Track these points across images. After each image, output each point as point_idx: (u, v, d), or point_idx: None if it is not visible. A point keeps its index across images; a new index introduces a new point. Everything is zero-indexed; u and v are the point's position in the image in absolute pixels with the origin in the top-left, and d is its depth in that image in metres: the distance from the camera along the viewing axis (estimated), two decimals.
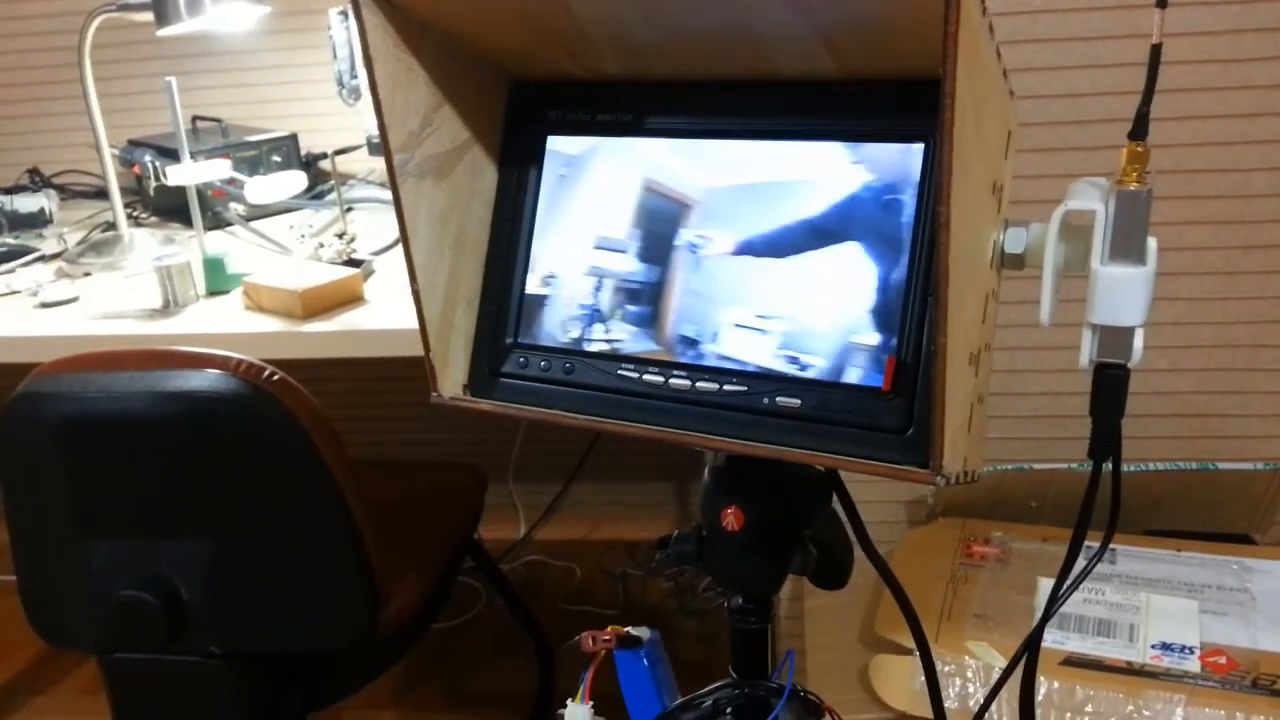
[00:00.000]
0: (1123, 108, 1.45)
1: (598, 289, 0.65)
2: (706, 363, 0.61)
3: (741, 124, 0.61)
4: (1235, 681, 1.21)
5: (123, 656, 1.21)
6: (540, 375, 0.66)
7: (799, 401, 0.58)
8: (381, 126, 0.58)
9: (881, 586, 1.44)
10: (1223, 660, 1.24)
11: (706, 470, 0.70)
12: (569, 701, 0.74)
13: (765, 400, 0.59)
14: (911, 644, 1.34)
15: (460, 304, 0.67)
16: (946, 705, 1.29)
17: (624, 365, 0.63)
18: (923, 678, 1.32)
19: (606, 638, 0.73)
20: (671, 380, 0.62)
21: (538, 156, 0.66)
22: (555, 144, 0.67)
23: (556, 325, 0.67)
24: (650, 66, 0.61)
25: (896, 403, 0.56)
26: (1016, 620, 1.36)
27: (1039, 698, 1.25)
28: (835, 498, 0.71)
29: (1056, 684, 1.23)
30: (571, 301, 0.66)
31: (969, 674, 1.29)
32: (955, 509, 1.59)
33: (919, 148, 0.56)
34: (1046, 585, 1.41)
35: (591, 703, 0.74)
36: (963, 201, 0.48)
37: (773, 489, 0.67)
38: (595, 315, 0.65)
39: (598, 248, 0.65)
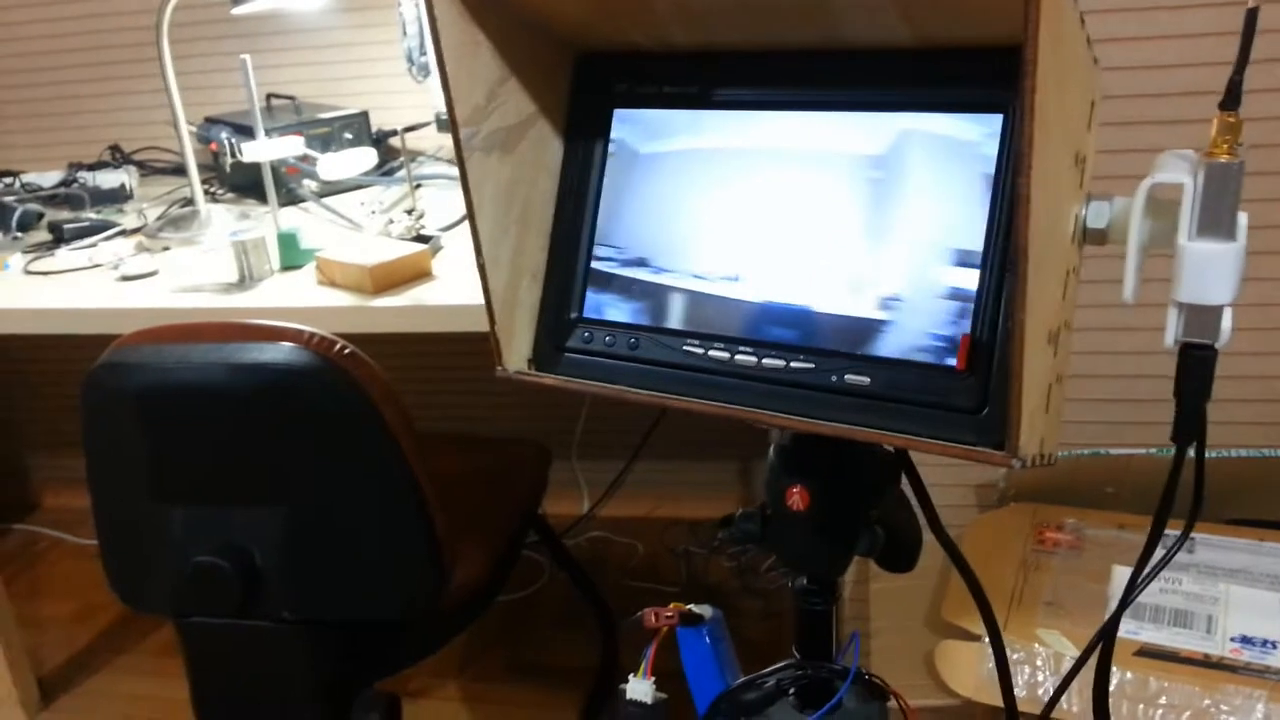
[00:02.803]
0: (1208, 80, 1.39)
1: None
2: None
3: (812, 95, 0.59)
4: None
5: (198, 620, 1.24)
6: (605, 350, 0.65)
7: (868, 379, 0.57)
8: (448, 99, 0.58)
9: (949, 571, 1.42)
10: None
11: (771, 449, 0.69)
12: (631, 676, 0.74)
13: (834, 378, 0.58)
14: (979, 630, 1.32)
15: (525, 278, 0.66)
16: (1015, 693, 1.27)
17: (689, 341, 0.62)
18: (990, 664, 1.30)
19: (669, 614, 0.72)
20: (738, 356, 0.61)
21: (604, 130, 0.66)
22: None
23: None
24: (717, 35, 0.60)
25: (971, 382, 0.54)
26: (1089, 609, 1.32)
27: (1111, 688, 1.22)
28: (904, 479, 0.70)
29: (1130, 675, 1.20)
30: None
31: (1038, 662, 1.26)
32: (1027, 494, 1.56)
33: (998, 118, 0.54)
34: (1121, 573, 1.37)
35: (654, 678, 0.73)
36: (1043, 174, 0.46)
37: (839, 468, 0.65)
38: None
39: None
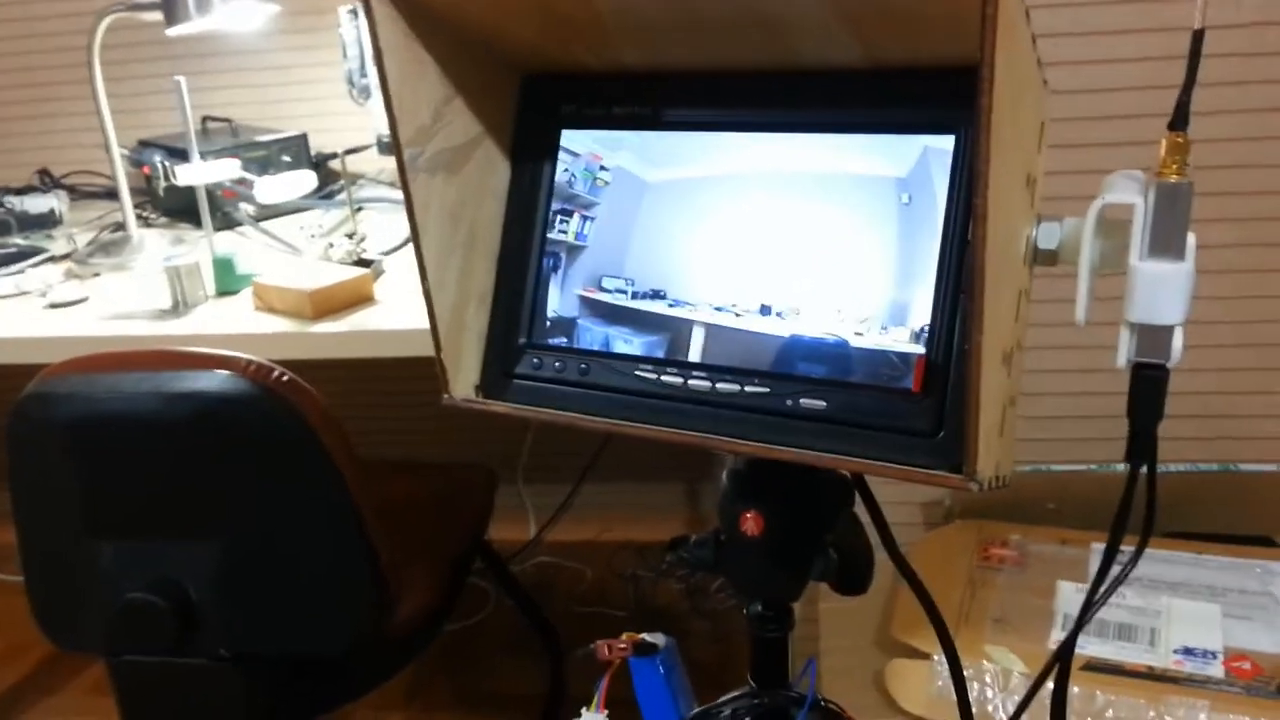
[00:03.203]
0: (1142, 103, 1.43)
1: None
2: None
3: (764, 116, 0.59)
4: (1260, 688, 1.19)
5: (131, 659, 1.20)
6: (555, 376, 0.64)
7: (824, 403, 0.56)
8: (392, 120, 0.56)
9: (897, 589, 1.43)
10: (1247, 665, 1.22)
11: (724, 473, 0.68)
12: (584, 710, 0.72)
13: (789, 402, 0.57)
14: (929, 648, 1.32)
15: (472, 303, 0.65)
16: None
17: (641, 366, 0.61)
18: (940, 682, 1.31)
19: (622, 646, 0.71)
20: (691, 381, 0.60)
21: (551, 151, 0.65)
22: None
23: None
24: (669, 57, 0.59)
25: (927, 404, 0.54)
26: (1035, 624, 1.34)
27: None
28: (860, 500, 0.69)
29: (1077, 689, 1.21)
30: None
31: (987, 679, 1.27)
32: (972, 511, 1.57)
33: (949, 139, 0.54)
34: (1066, 589, 1.39)
35: (606, 711, 0.72)
36: (998, 194, 0.46)
37: (793, 493, 0.65)
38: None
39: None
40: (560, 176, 0.65)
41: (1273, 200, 1.44)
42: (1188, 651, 1.25)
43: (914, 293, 0.55)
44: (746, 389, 0.58)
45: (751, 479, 0.66)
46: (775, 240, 0.59)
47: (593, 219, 0.64)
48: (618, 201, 0.63)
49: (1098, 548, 1.47)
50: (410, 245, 1.48)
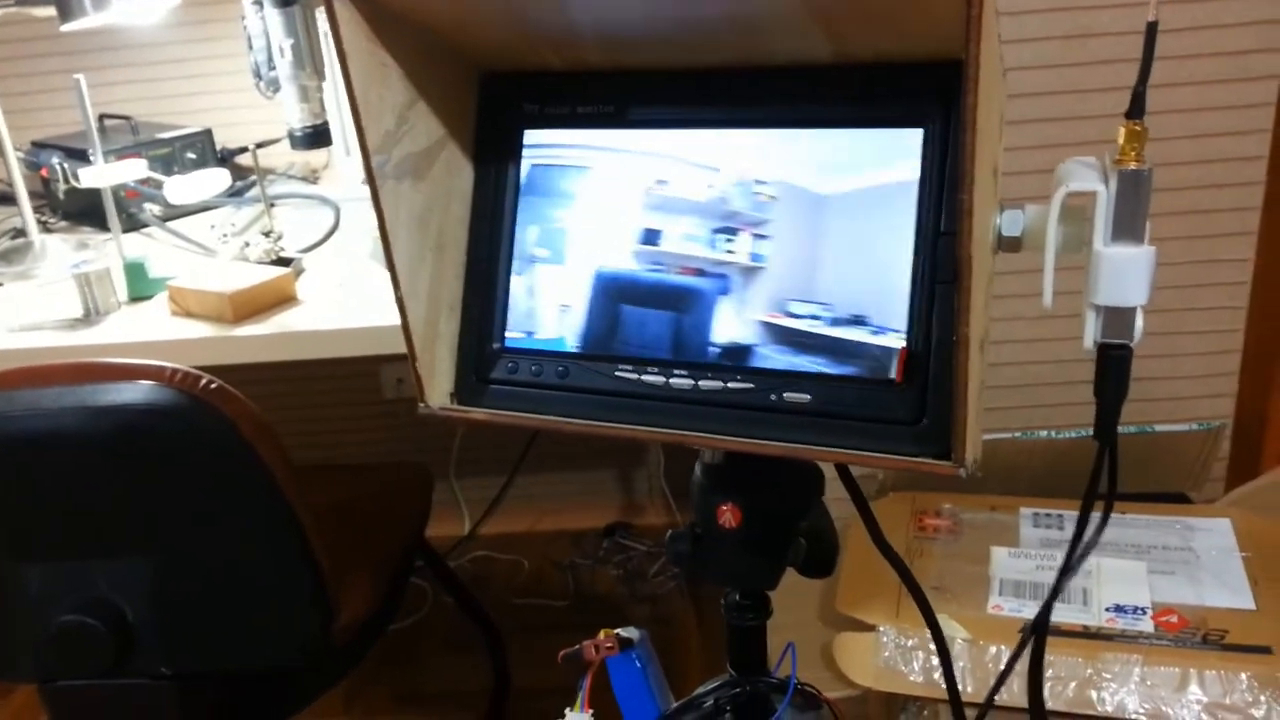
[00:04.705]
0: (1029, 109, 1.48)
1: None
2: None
3: (730, 113, 0.59)
4: (1187, 639, 1.25)
5: (66, 684, 1.16)
6: (532, 380, 0.63)
7: (808, 397, 0.57)
8: (359, 126, 0.55)
9: (841, 565, 1.45)
10: (1174, 619, 1.28)
11: (698, 466, 0.68)
12: (568, 711, 0.72)
13: (773, 397, 0.58)
14: (873, 620, 1.35)
15: (444, 309, 0.64)
16: (911, 679, 1.31)
17: (621, 366, 0.61)
18: (886, 654, 1.34)
19: (609, 645, 0.71)
20: (673, 380, 0.60)
21: (515, 151, 0.63)
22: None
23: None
24: (634, 55, 0.59)
25: (909, 394, 0.55)
26: (973, 590, 1.38)
27: (1001, 666, 1.27)
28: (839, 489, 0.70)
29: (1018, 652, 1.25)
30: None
31: (932, 647, 1.30)
32: (904, 483, 1.61)
33: (918, 133, 0.54)
34: (999, 554, 1.43)
35: (592, 711, 0.72)
36: (980, 188, 0.47)
37: (769, 483, 0.65)
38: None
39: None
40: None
41: (1175, 171, 1.50)
42: (1119, 609, 1.31)
43: (892, 284, 0.55)
44: (729, 385, 0.58)
45: (727, 472, 0.66)
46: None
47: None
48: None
49: (1026, 512, 1.52)
50: (327, 242, 1.45)
